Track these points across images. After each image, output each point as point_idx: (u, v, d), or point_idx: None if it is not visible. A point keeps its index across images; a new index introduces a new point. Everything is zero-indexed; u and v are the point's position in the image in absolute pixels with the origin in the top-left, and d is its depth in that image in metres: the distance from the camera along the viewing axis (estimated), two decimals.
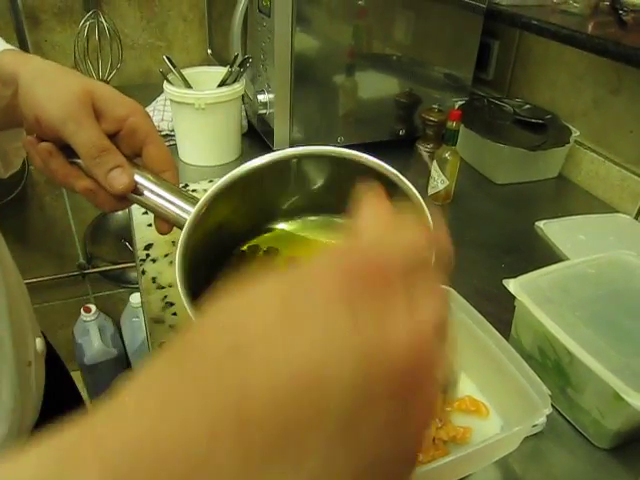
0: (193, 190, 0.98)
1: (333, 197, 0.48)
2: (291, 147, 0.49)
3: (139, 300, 1.77)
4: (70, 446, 0.19)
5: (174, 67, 1.07)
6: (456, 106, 1.15)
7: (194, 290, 0.44)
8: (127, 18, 1.56)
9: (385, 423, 0.21)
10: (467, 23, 1.14)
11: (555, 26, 1.04)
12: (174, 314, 0.70)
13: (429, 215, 0.45)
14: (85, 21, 1.49)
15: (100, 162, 0.48)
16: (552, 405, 0.61)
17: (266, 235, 0.55)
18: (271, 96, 1.02)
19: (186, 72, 1.08)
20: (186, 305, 0.42)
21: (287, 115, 1.02)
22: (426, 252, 0.25)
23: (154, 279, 0.76)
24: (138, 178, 0.50)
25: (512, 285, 0.62)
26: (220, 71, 1.08)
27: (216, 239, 0.52)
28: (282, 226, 0.56)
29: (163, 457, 0.18)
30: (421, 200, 0.46)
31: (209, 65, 1.31)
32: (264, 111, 1.05)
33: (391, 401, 0.21)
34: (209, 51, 1.60)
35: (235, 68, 1.02)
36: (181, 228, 0.48)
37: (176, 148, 1.09)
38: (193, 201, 0.49)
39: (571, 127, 1.08)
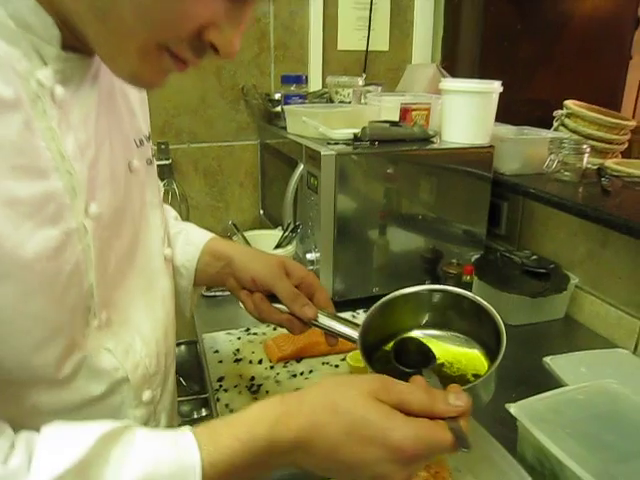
0: None
1: (451, 318, 0.79)
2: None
3: None
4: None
5: (238, 231, 1.32)
6: (472, 259, 1.36)
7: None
8: (194, 184, 1.87)
9: None
10: (478, 189, 1.38)
11: (548, 194, 1.27)
12: None
13: (503, 330, 0.70)
14: (162, 187, 1.80)
15: (296, 302, 0.78)
16: None
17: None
18: (317, 255, 1.25)
19: (247, 234, 1.33)
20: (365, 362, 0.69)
21: (330, 271, 1.25)
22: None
23: (227, 405, 0.94)
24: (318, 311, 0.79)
25: (513, 408, 0.79)
26: (274, 233, 1.34)
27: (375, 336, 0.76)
28: (417, 333, 0.81)
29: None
30: (498, 318, 0.72)
31: (261, 223, 1.55)
32: (311, 267, 1.28)
33: None
34: (261, 211, 1.89)
35: (288, 233, 1.26)
36: (344, 338, 0.76)
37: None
38: (347, 323, 0.77)
39: (571, 275, 1.28)
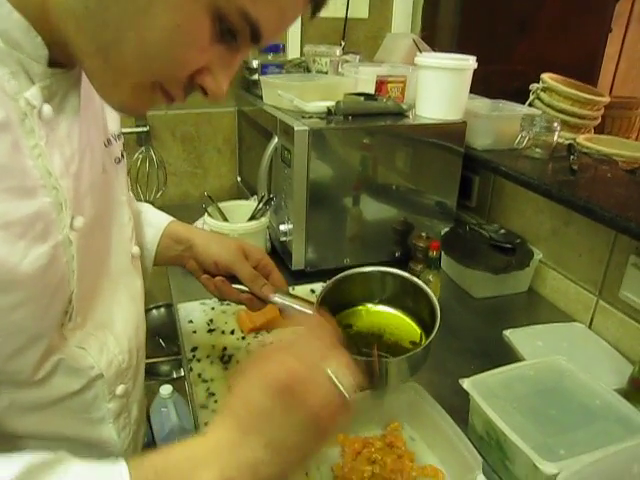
0: None
1: (398, 296, 0.88)
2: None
3: (169, 391, 1.97)
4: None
5: (213, 202, 1.34)
6: (442, 232, 1.40)
7: None
8: (171, 151, 1.88)
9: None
10: (450, 163, 1.41)
11: (517, 172, 1.31)
12: (215, 402, 0.92)
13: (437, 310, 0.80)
14: (139, 154, 1.81)
15: (256, 282, 0.84)
16: (497, 474, 0.81)
17: (355, 308, 0.90)
18: (290, 227, 1.28)
19: (222, 205, 1.36)
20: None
21: (302, 242, 1.28)
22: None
23: (199, 374, 0.99)
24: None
25: (466, 383, 0.84)
26: (249, 204, 1.36)
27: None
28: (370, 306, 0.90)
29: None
30: (434, 300, 0.81)
31: (238, 189, 1.56)
32: (284, 238, 1.31)
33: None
34: (239, 178, 1.90)
35: (262, 205, 1.29)
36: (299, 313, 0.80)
37: None
38: (301, 300, 0.82)
39: (536, 250, 1.32)
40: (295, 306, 0.80)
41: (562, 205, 1.18)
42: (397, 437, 0.82)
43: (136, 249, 0.78)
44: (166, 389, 2.05)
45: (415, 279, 0.86)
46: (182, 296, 1.25)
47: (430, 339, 0.76)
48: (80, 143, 0.59)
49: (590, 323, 1.21)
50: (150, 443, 2.04)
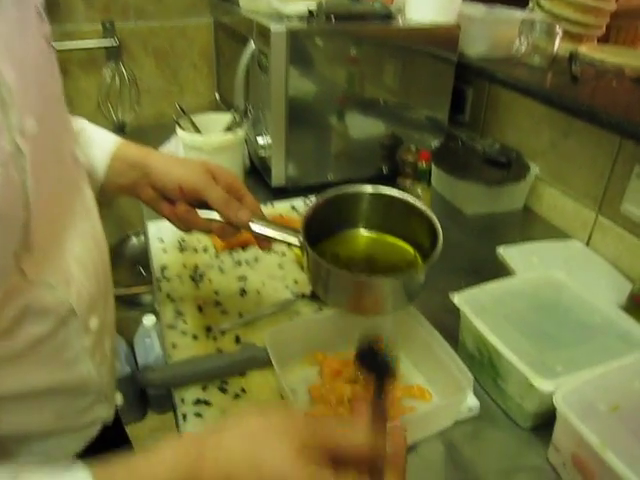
0: None
1: (391, 218, 0.77)
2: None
3: (152, 321, 1.92)
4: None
5: (185, 113, 1.23)
6: (433, 147, 1.31)
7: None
8: (144, 66, 1.75)
9: None
10: (441, 72, 1.30)
11: (514, 79, 1.20)
12: (184, 322, 0.85)
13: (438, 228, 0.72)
14: (107, 70, 1.68)
15: (230, 207, 0.71)
16: (487, 394, 0.76)
17: (343, 233, 0.79)
18: (269, 139, 1.19)
19: (196, 118, 1.25)
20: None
21: (282, 156, 1.19)
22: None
23: (168, 294, 0.91)
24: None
25: (456, 298, 0.77)
26: (225, 116, 1.25)
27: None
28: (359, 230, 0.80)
29: None
30: (433, 217, 0.73)
31: (217, 108, 1.47)
32: (263, 153, 1.21)
33: None
34: (217, 95, 1.78)
35: (238, 116, 1.19)
36: (277, 241, 0.72)
37: None
38: (280, 226, 0.72)
39: (533, 165, 1.24)
40: (277, 236, 0.71)
41: (563, 112, 1.09)
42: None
43: (80, 154, 0.66)
44: (149, 319, 2.01)
45: (408, 198, 0.76)
46: (154, 213, 1.16)
47: (434, 256, 0.69)
48: (19, 24, 0.46)
49: (588, 240, 1.14)
50: (135, 371, 2.01)
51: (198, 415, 0.70)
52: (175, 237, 1.07)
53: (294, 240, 0.70)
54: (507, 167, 1.22)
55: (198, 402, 0.72)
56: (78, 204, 0.61)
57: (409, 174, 1.20)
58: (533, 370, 0.66)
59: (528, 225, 1.25)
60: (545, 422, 0.70)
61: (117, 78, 1.71)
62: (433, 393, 0.72)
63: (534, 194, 1.27)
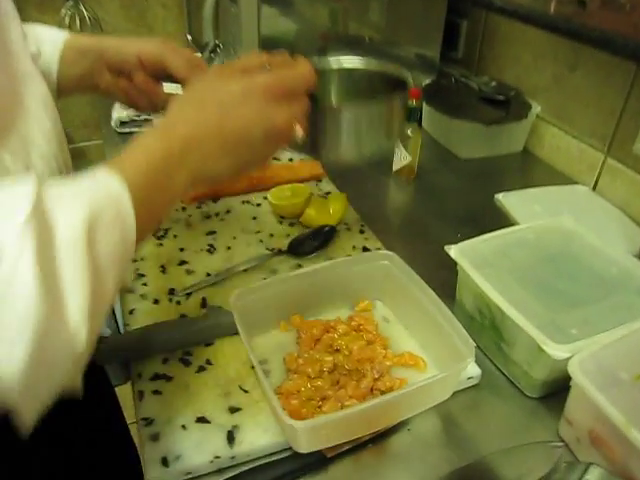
0: None
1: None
2: None
3: None
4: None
5: None
6: (424, 84, 1.19)
7: None
8: (107, 6, 1.59)
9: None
10: (433, 4, 1.18)
11: (515, 5, 1.07)
12: (145, 284, 0.75)
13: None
14: (66, 10, 1.53)
15: (194, 72, 0.67)
16: (489, 359, 0.66)
17: None
18: None
19: None
20: None
21: None
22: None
23: None
24: None
25: (453, 250, 0.67)
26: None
27: None
28: None
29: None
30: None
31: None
32: None
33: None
34: (189, 37, 1.64)
35: (207, 54, 1.06)
36: None
37: None
38: None
39: (533, 103, 1.12)
40: None
41: (570, 41, 0.96)
42: (366, 319, 0.66)
43: (34, 48, 0.63)
44: None
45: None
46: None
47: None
48: None
49: (594, 185, 1.04)
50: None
51: (157, 392, 0.60)
52: None
53: None
54: (506, 106, 1.11)
55: (157, 377, 0.62)
56: (40, 101, 0.56)
57: None
58: (544, 333, 0.56)
59: (528, 170, 1.14)
60: (555, 391, 0.61)
61: (77, 19, 1.55)
62: (428, 361, 0.62)
63: (535, 135, 1.16)
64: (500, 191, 1.00)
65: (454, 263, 0.68)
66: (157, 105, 0.71)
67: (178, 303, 0.72)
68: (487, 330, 0.65)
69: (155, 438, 0.56)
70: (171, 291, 0.74)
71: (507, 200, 0.97)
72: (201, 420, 0.57)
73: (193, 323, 0.66)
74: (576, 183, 1.06)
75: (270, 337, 0.65)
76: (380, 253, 0.69)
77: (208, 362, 0.64)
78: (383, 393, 0.57)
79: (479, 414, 0.62)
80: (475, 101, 1.12)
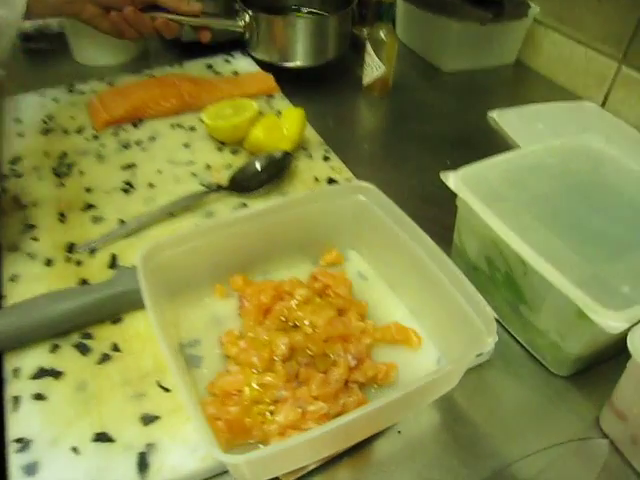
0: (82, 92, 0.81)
1: None
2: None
3: None
4: None
5: None
6: None
7: None
8: None
9: None
10: None
11: None
12: (34, 239, 0.55)
13: None
14: None
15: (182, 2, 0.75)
16: (502, 326, 0.50)
17: None
18: None
19: None
20: None
21: None
22: None
23: (15, 198, 0.61)
24: None
25: (452, 179, 0.49)
26: None
27: None
28: None
29: None
30: None
31: None
32: None
33: None
34: None
35: None
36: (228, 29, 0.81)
37: (69, 50, 0.91)
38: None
39: (530, 3, 0.93)
40: (223, 25, 0.80)
41: None
42: (336, 277, 0.48)
43: None
44: None
45: None
46: (19, 87, 0.82)
47: None
48: None
49: (604, 101, 0.87)
50: None
51: (39, 397, 0.42)
52: (39, 115, 0.74)
53: (241, 22, 0.79)
54: (498, 7, 0.91)
55: (42, 374, 0.43)
56: None
57: (368, 18, 0.88)
58: (586, 292, 0.39)
59: (523, 84, 0.96)
60: (587, 366, 0.46)
61: None
62: (422, 334, 0.45)
63: (530, 44, 0.97)
64: (491, 108, 0.82)
65: (445, 197, 0.50)
66: (143, 34, 0.75)
67: (78, 264, 0.53)
68: (499, 287, 0.48)
69: (31, 471, 0.38)
70: (70, 247, 0.55)
71: (503, 118, 0.80)
72: (101, 438, 0.40)
73: (96, 291, 0.47)
74: (581, 98, 0.88)
75: (201, 308, 0.47)
76: (353, 185, 0.50)
77: (115, 348, 0.45)
78: (363, 386, 0.40)
79: (489, 401, 0.46)
80: (460, 2, 0.91)
